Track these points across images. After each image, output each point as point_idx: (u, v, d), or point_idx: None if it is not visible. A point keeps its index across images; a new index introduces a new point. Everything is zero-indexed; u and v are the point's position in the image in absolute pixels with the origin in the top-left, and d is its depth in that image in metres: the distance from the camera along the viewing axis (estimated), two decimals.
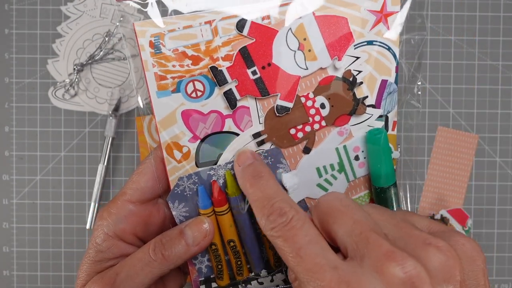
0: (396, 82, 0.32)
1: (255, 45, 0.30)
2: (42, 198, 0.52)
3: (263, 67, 0.31)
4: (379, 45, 0.31)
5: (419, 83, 0.33)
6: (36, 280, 0.52)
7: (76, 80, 0.52)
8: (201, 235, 0.31)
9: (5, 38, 0.52)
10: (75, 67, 0.51)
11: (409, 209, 0.38)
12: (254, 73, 0.30)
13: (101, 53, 0.51)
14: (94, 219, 0.51)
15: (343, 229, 0.25)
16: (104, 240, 0.31)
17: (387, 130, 0.33)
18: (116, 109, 0.51)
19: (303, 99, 0.31)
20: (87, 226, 0.51)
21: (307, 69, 0.31)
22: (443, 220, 0.52)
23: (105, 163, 0.51)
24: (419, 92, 0.34)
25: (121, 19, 0.51)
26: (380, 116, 0.32)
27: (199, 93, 0.31)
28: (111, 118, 0.51)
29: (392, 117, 0.32)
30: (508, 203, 0.53)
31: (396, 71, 0.32)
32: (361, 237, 0.25)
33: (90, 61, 0.52)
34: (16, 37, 0.52)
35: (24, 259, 0.52)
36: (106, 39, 0.51)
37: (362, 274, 0.23)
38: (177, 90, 0.31)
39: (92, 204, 0.51)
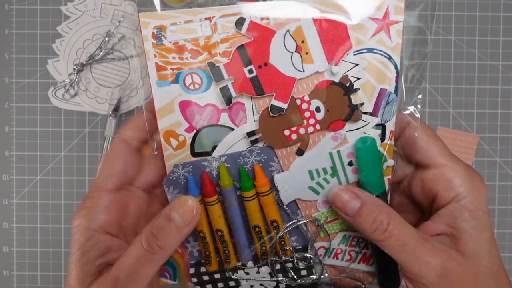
0: (395, 92, 0.32)
1: (252, 44, 0.31)
2: (42, 198, 0.52)
3: (260, 66, 0.31)
4: (380, 54, 0.31)
5: (420, 96, 0.34)
6: (36, 280, 0.52)
7: (76, 80, 0.52)
8: (188, 214, 0.30)
9: (5, 38, 0.52)
10: (75, 67, 0.51)
11: None
12: (250, 71, 0.31)
13: (101, 53, 0.51)
14: None
15: None
16: (88, 238, 0.30)
17: (384, 139, 0.33)
18: (116, 109, 0.51)
19: (298, 101, 0.32)
20: None
21: (303, 71, 0.31)
22: None
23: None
24: (419, 106, 0.34)
25: (121, 19, 0.51)
26: (378, 125, 0.32)
27: (196, 86, 0.32)
28: (111, 118, 0.51)
29: (390, 126, 0.33)
30: (508, 203, 0.53)
31: (396, 81, 0.32)
32: None
33: (90, 61, 0.52)
34: (16, 37, 0.52)
35: (24, 259, 0.52)
36: (106, 39, 0.51)
37: None
38: (176, 81, 0.32)
39: None
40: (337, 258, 0.35)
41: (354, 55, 0.31)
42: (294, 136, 0.32)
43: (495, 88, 0.53)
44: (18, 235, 0.52)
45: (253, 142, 0.32)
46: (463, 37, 0.53)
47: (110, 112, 0.51)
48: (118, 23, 0.51)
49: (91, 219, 0.30)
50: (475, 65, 0.53)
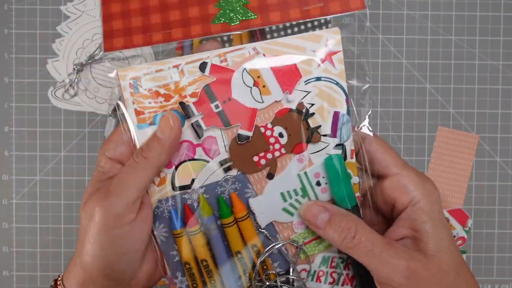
0: (348, 113, 0.36)
1: (216, 83, 0.35)
2: (42, 198, 0.52)
3: (224, 102, 0.35)
4: (327, 81, 0.35)
5: (369, 112, 0.37)
6: (36, 280, 0.52)
7: (76, 80, 0.52)
8: (167, 127, 0.34)
9: (5, 38, 0.52)
10: (75, 67, 0.51)
11: None
12: (216, 106, 0.35)
13: (101, 53, 0.51)
14: None
15: None
16: (106, 162, 0.35)
17: (346, 159, 0.36)
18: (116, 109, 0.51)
19: (262, 129, 0.36)
20: None
21: (263, 102, 0.35)
22: None
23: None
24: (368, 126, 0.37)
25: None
26: (337, 145, 0.36)
27: None
28: (111, 118, 0.51)
29: (349, 145, 0.36)
30: (509, 203, 0.53)
31: (347, 103, 0.36)
32: None
33: (90, 61, 0.52)
34: (15, 37, 0.52)
35: (24, 259, 0.52)
36: None
37: None
38: (153, 122, 0.36)
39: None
40: (320, 281, 0.37)
41: (305, 84, 0.35)
42: (263, 161, 0.36)
43: (495, 88, 0.53)
44: (18, 235, 0.52)
45: (226, 170, 0.36)
46: (463, 36, 0.53)
47: (110, 112, 0.51)
48: None
49: (110, 149, 0.35)
50: (476, 65, 0.53)
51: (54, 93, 0.52)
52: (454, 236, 0.52)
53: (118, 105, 0.37)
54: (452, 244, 0.33)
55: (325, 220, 0.34)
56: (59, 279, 0.35)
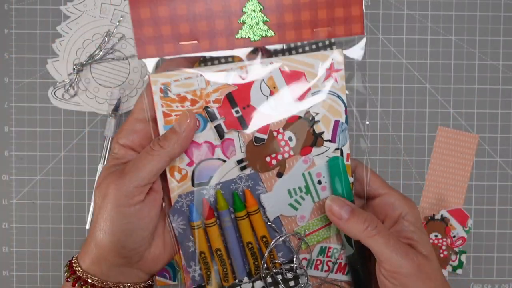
0: (346, 122, 0.41)
1: (237, 91, 0.39)
2: (41, 198, 0.52)
3: (244, 108, 0.40)
4: (331, 94, 0.41)
5: (367, 122, 0.43)
6: (36, 280, 0.52)
7: (76, 80, 0.52)
8: (184, 121, 0.37)
9: (5, 38, 0.52)
10: (74, 67, 0.51)
11: None
12: (237, 112, 0.40)
13: (101, 53, 0.51)
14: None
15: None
16: (119, 149, 0.38)
17: None
18: (116, 109, 0.51)
19: (275, 133, 0.40)
20: (87, 226, 0.51)
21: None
22: (443, 220, 0.52)
23: (105, 163, 0.51)
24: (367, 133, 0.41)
25: (121, 19, 0.51)
26: (336, 149, 0.41)
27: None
28: (110, 118, 0.51)
29: (345, 150, 0.41)
30: (509, 203, 0.53)
31: (346, 114, 0.41)
32: None
33: (90, 61, 0.52)
34: (15, 37, 0.52)
35: (23, 259, 0.52)
36: (106, 39, 0.51)
37: None
38: None
39: (92, 204, 0.51)
40: (317, 269, 0.42)
41: (312, 95, 0.40)
42: (274, 162, 0.40)
43: (495, 88, 0.53)
44: (17, 235, 0.52)
45: (242, 169, 0.40)
46: (463, 36, 0.53)
47: (110, 112, 0.51)
48: (118, 23, 0.51)
49: (123, 137, 0.38)
50: (476, 65, 0.53)
51: (54, 93, 0.52)
52: (454, 236, 0.52)
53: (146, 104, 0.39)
54: (433, 250, 0.39)
55: (347, 214, 0.38)
56: (74, 259, 0.38)
